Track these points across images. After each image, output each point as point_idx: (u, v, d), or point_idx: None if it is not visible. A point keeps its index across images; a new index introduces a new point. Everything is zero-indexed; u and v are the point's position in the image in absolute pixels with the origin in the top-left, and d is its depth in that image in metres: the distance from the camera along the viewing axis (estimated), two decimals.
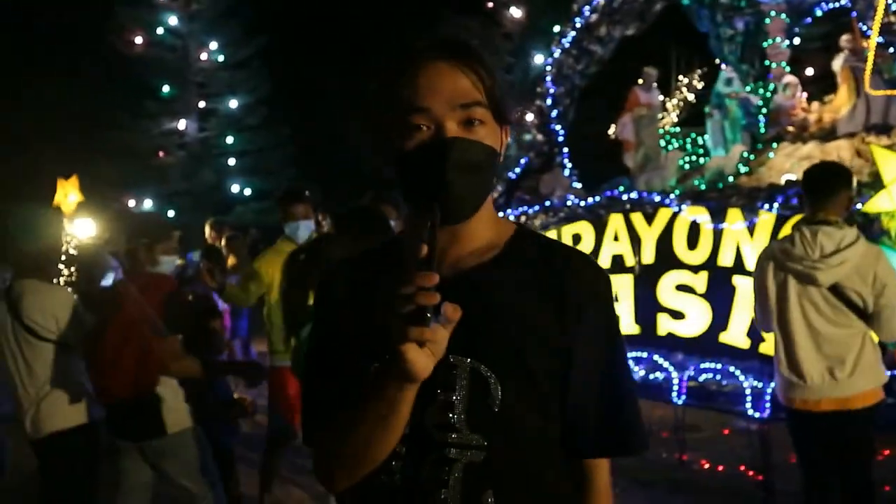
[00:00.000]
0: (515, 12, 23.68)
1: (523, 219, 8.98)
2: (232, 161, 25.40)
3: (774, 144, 9.19)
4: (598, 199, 8.46)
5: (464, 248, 1.34)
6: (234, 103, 25.17)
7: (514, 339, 1.29)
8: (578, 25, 9.97)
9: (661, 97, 11.97)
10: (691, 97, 16.11)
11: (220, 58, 24.95)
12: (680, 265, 7.38)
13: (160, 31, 24.21)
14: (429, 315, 1.05)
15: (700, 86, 15.97)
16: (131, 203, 20.78)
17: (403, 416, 1.20)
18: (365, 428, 1.21)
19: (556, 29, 10.80)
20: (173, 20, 24.26)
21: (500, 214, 6.64)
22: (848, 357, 3.40)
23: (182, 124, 24.93)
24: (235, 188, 25.25)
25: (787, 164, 8.41)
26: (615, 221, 8.08)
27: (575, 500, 1.39)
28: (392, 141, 1.28)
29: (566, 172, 10.07)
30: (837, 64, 9.64)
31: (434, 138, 1.24)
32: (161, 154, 24.65)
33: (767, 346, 6.70)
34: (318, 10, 30.17)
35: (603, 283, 1.39)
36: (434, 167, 1.21)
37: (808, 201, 3.63)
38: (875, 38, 7.90)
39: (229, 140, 25.27)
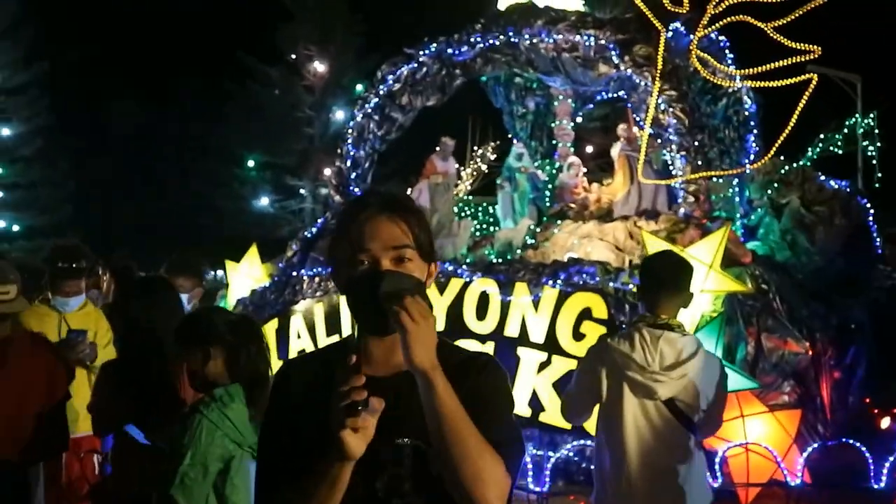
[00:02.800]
0: (319, 66, 23.80)
1: (317, 280, 8.89)
2: (0, 194, 23.28)
3: (559, 221, 9.78)
4: None
5: (400, 355, 1.62)
6: (6, 131, 23.17)
7: None
8: (382, 93, 10.17)
9: (456, 166, 12.41)
10: (484, 168, 16.83)
11: None
12: (469, 334, 7.59)
13: None
14: (360, 408, 1.44)
15: (493, 157, 16.72)
16: None
17: (341, 488, 1.55)
18: (314, 500, 1.55)
19: (359, 88, 10.95)
20: None
21: (294, 274, 6.46)
22: (678, 479, 3.08)
23: None
24: (2, 223, 23.11)
25: (569, 241, 8.96)
26: None
27: None
28: (343, 271, 1.71)
29: None
30: (615, 151, 10.51)
31: (371, 270, 1.65)
32: None
33: (547, 416, 7.03)
34: (109, 40, 28.71)
35: (500, 373, 1.80)
36: (371, 291, 1.58)
37: (649, 297, 3.23)
38: (647, 132, 8.69)
39: None
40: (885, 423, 7.82)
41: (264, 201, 24.90)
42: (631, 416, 3.11)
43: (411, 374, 1.63)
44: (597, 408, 3.34)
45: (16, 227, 23.29)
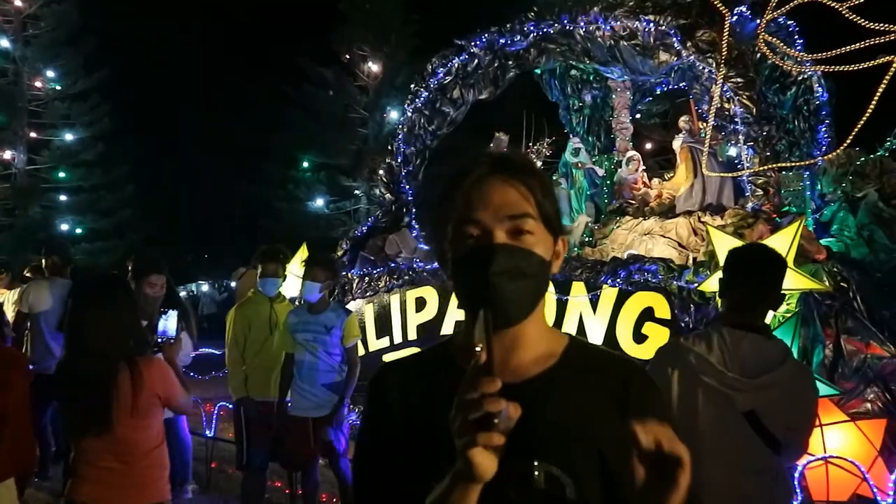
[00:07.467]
0: (372, 66, 23.68)
1: (367, 280, 8.65)
2: (63, 197, 23.75)
3: (618, 218, 9.37)
4: None
5: (522, 355, 1.39)
6: (69, 136, 23.63)
7: (590, 441, 1.32)
8: (432, 86, 9.89)
9: None
10: (540, 164, 16.38)
11: (58, 87, 23.44)
12: None
13: None
14: (496, 421, 1.10)
15: (549, 153, 16.31)
16: None
17: None
18: None
19: (411, 87, 10.72)
20: (5, 43, 22.61)
21: (344, 274, 6.19)
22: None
23: (8, 155, 23.11)
24: (65, 226, 23.55)
25: (629, 238, 8.56)
26: None
27: None
28: (447, 249, 1.39)
29: (413, 234, 9.87)
30: (677, 144, 10.03)
31: (482, 245, 1.33)
32: None
33: None
34: (169, 47, 29.16)
35: (655, 391, 1.46)
36: (481, 271, 1.29)
37: (735, 293, 2.81)
38: (711, 121, 8.23)
39: (62, 175, 23.64)
40: None
41: (319, 202, 24.89)
42: (705, 429, 2.65)
43: (539, 378, 1.38)
44: None
45: (79, 230, 23.73)
